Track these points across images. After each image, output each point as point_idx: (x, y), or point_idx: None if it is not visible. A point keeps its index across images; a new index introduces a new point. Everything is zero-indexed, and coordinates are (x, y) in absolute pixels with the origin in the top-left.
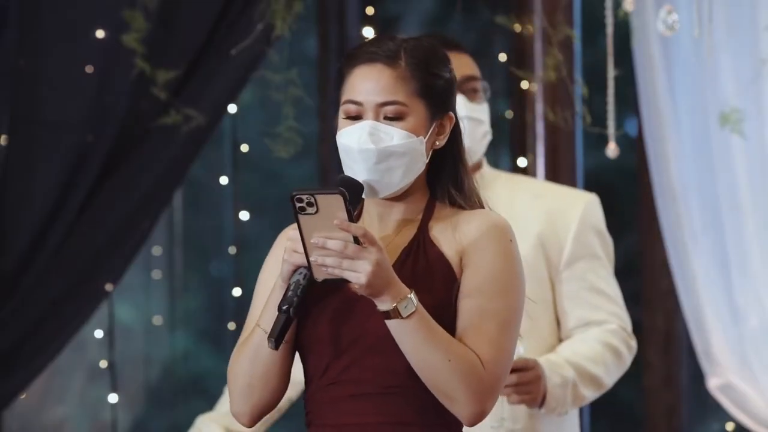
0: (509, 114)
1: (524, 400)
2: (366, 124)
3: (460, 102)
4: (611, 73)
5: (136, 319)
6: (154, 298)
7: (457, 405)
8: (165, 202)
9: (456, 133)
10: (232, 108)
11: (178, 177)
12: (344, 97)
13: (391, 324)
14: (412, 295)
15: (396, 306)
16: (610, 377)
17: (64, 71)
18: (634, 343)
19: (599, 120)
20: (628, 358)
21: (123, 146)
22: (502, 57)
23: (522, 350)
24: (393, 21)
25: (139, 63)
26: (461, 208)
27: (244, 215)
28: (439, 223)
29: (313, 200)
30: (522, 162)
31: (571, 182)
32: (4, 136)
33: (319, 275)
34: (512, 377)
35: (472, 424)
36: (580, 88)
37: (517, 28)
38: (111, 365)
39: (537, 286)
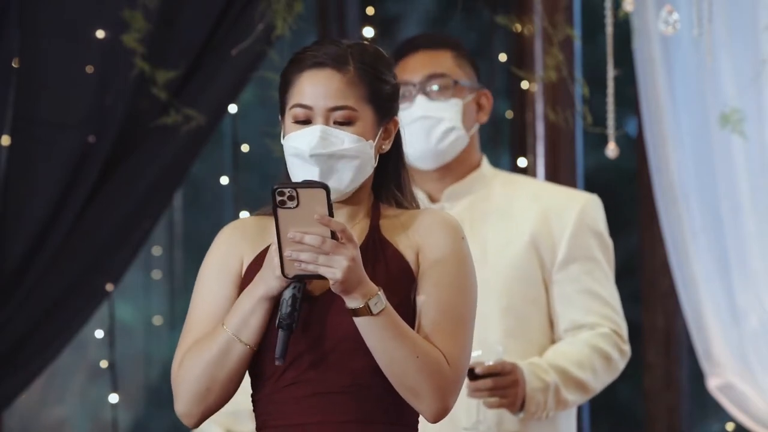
0: (509, 114)
1: (502, 405)
2: (317, 129)
3: (419, 102)
4: (611, 73)
5: (136, 319)
6: (154, 298)
7: (422, 402)
8: (165, 202)
9: (398, 137)
10: (232, 108)
11: (178, 177)
12: (292, 102)
13: (360, 321)
14: (381, 293)
15: (366, 303)
16: (597, 382)
17: (64, 71)
18: (627, 348)
19: (599, 120)
20: (619, 363)
21: (123, 146)
22: (502, 57)
23: (501, 350)
24: (393, 21)
25: (139, 63)
26: (404, 208)
27: (244, 215)
28: (389, 223)
29: (294, 194)
30: (522, 162)
31: (571, 182)
32: (4, 137)
33: (290, 271)
34: (488, 381)
35: (435, 421)
36: (580, 88)
37: (518, 28)
38: (111, 365)
39: (528, 286)
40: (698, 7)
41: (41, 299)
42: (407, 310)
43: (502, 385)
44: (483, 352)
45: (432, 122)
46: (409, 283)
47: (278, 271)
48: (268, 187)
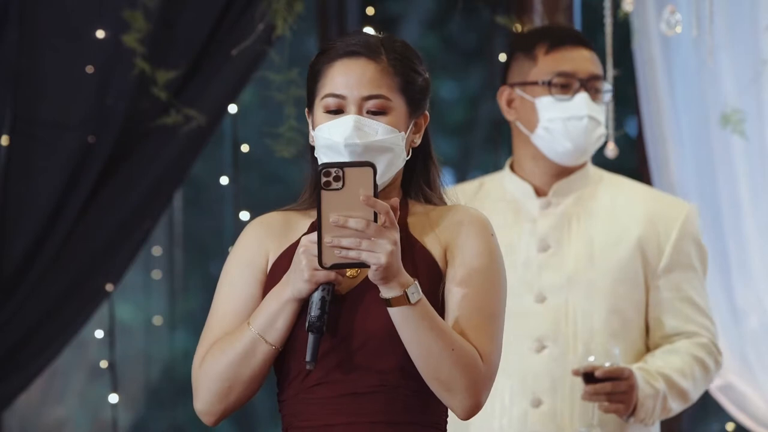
0: None
1: (617, 409)
2: (350, 118)
3: (583, 100)
4: (611, 72)
5: (136, 319)
6: (154, 298)
7: (455, 397)
8: (165, 202)
9: (427, 133)
10: (232, 108)
11: (178, 177)
12: (324, 92)
13: (395, 313)
14: (416, 283)
15: (405, 292)
16: (696, 391)
17: (64, 71)
18: (721, 359)
19: None
20: (714, 373)
21: (123, 146)
22: (502, 57)
23: (617, 352)
24: (393, 21)
25: (139, 63)
26: (433, 204)
27: (244, 215)
28: (416, 220)
29: (341, 174)
30: None
31: None
32: (4, 137)
33: (329, 260)
34: (607, 385)
35: (467, 418)
36: None
37: (518, 28)
38: (111, 365)
39: (632, 289)
40: (698, 7)
41: (41, 299)
42: (435, 308)
43: (620, 390)
44: (597, 356)
45: (595, 124)
46: (436, 280)
47: (306, 275)
48: (269, 187)
